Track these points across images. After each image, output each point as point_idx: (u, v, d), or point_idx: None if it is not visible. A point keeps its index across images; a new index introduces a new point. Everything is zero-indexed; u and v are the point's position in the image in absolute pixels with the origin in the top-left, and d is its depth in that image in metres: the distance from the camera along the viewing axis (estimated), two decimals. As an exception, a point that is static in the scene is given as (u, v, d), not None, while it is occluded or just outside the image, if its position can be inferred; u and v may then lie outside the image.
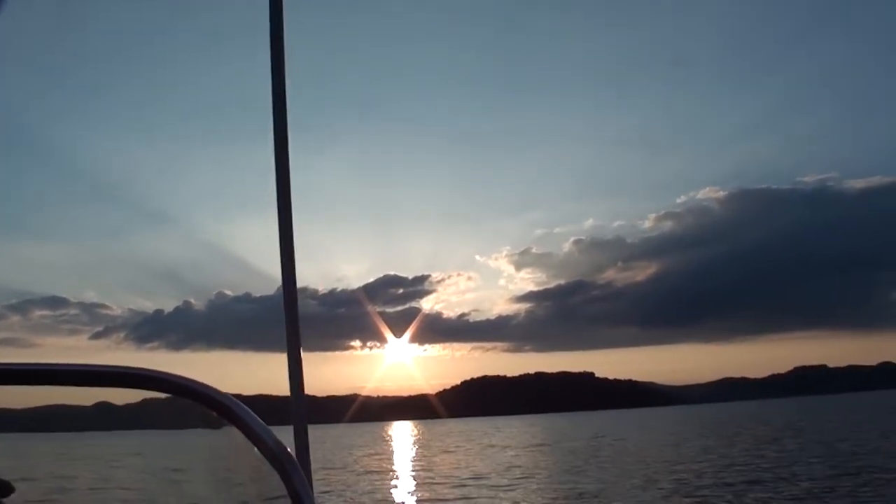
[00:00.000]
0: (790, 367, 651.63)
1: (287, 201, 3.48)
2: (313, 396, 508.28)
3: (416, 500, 34.92)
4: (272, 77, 3.43)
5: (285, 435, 2.66)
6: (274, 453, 2.14)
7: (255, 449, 1.97)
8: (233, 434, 1.97)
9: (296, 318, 3.37)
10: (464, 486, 37.97)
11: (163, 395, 1.95)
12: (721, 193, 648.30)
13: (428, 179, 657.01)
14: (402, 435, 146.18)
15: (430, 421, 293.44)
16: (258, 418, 1.96)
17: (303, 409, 3.25)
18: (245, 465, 2.10)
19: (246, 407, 1.99)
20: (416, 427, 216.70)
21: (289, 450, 1.98)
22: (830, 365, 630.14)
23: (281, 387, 3.29)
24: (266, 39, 3.42)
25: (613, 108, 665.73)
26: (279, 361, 3.33)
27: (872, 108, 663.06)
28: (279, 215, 3.44)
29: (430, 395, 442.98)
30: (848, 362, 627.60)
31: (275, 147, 3.47)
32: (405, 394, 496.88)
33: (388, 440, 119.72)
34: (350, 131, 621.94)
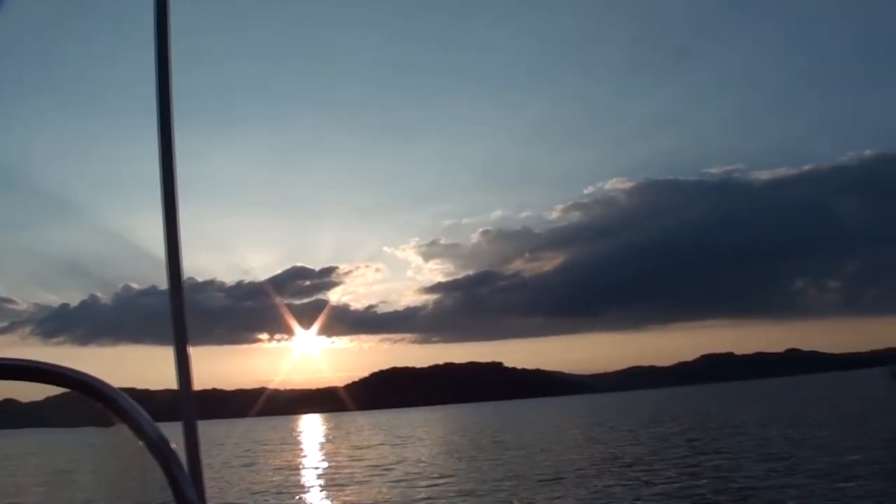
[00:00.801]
0: (698, 355, 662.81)
1: (172, 192, 3.25)
2: (220, 391, 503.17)
3: (317, 498, 33.61)
4: (156, 64, 3.26)
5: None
6: (159, 450, 2.14)
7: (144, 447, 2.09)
8: (124, 432, 2.05)
9: (182, 313, 3.16)
10: (368, 481, 36.89)
11: (65, 392, 2.06)
12: (628, 184, 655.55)
13: (337, 170, 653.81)
14: (310, 429, 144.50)
15: (338, 414, 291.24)
16: (144, 412, 2.07)
17: (192, 405, 3.10)
18: (136, 465, 2.17)
19: (132, 401, 2.11)
20: (324, 420, 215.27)
21: (173, 446, 2.12)
22: (737, 352, 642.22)
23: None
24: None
25: (522, 99, 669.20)
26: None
27: (778, 101, 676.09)
28: (164, 208, 3.23)
29: (339, 387, 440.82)
30: (755, 350, 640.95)
31: (160, 137, 3.26)
32: (313, 387, 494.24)
33: (295, 434, 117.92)
34: (259, 120, 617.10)
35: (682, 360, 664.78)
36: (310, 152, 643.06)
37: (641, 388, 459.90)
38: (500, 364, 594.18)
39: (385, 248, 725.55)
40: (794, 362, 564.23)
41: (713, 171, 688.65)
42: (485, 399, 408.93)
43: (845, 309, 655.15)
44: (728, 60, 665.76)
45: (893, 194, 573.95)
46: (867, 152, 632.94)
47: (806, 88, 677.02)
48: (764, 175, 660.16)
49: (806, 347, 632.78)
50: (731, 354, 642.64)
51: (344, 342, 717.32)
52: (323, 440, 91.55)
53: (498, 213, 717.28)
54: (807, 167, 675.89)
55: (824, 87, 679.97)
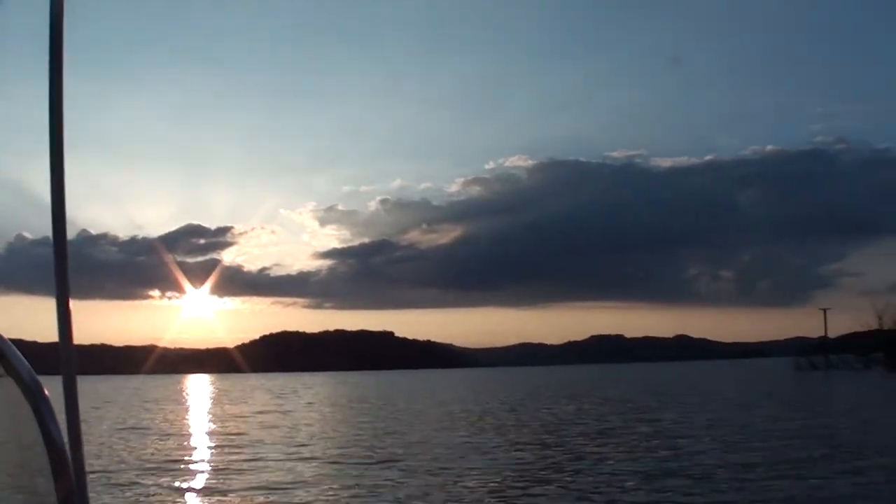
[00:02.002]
0: (587, 335, 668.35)
1: (59, 140, 3.10)
2: (109, 346, 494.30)
3: (198, 460, 33.29)
4: (50, 7, 3.03)
5: (81, 385, 2.66)
6: (35, 400, 2.12)
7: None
8: (8, 384, 2.05)
9: (65, 265, 3.17)
10: (253, 445, 36.71)
11: None
12: (530, 162, 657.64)
13: (237, 129, 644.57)
14: (199, 390, 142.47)
15: (228, 375, 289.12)
16: (25, 362, 2.08)
17: (72, 358, 3.01)
18: (21, 417, 2.17)
19: (16, 350, 2.13)
20: (213, 381, 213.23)
21: (46, 392, 2.13)
22: (627, 335, 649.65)
23: (79, 334, 3.08)
24: None
25: (430, 69, 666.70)
26: (78, 307, 3.14)
27: (684, 91, 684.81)
28: (51, 156, 3.09)
29: (229, 348, 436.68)
30: (645, 333, 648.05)
31: (50, 81, 3.06)
32: (203, 346, 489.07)
33: (184, 395, 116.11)
34: (161, 73, 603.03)
35: (572, 339, 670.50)
36: (211, 109, 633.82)
37: (530, 364, 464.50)
38: (391, 334, 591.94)
39: (282, 211, 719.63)
40: (683, 348, 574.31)
41: (615, 154, 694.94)
42: (375, 368, 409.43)
43: (737, 299, 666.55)
44: (637, 47, 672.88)
45: (791, 191, 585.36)
46: (769, 148, 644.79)
47: (713, 80, 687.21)
48: (665, 162, 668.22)
49: (695, 335, 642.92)
50: (620, 337, 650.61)
51: (236, 303, 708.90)
52: (211, 402, 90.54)
53: (398, 183, 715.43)
54: (708, 157, 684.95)
55: (731, 81, 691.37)
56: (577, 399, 68.29)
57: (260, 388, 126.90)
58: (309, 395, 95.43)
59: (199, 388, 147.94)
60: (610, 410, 54.13)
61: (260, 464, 28.96)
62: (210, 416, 61.52)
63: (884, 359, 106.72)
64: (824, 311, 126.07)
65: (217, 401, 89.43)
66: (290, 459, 30.43)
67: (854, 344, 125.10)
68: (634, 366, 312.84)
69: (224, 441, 37.78)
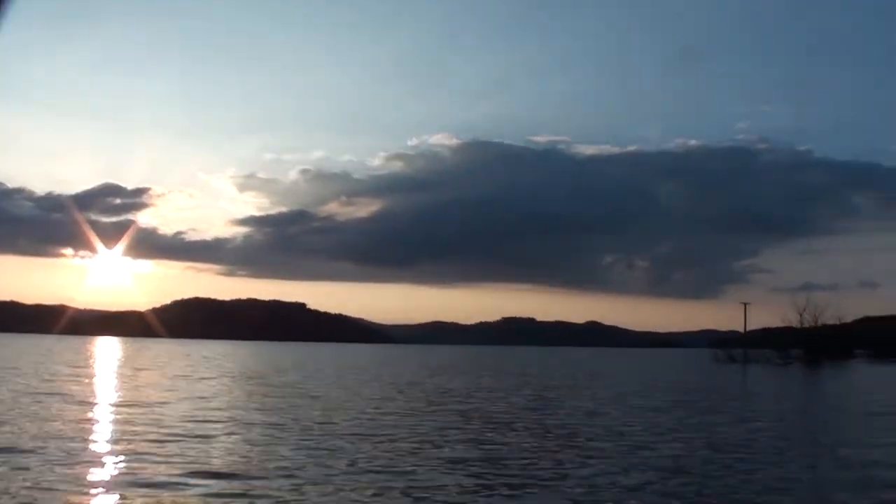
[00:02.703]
0: (500, 317, 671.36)
1: None
2: (19, 304, 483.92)
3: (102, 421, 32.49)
4: None
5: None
6: None
7: None
8: None
9: None
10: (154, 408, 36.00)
11: None
12: (454, 141, 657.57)
13: (162, 88, 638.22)
14: (110, 353, 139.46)
15: (140, 339, 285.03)
16: None
17: None
18: None
19: None
20: (124, 345, 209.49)
21: None
22: (539, 319, 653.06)
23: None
24: None
25: (362, 42, 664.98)
26: None
27: (610, 79, 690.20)
28: None
29: (141, 312, 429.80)
30: (556, 318, 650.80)
31: None
32: (114, 309, 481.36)
33: (94, 358, 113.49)
34: (85, 27, 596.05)
35: (484, 320, 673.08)
36: (136, 66, 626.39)
37: (442, 342, 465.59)
38: (303, 305, 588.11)
39: (201, 175, 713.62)
40: (594, 335, 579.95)
41: (539, 139, 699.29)
42: (287, 339, 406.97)
43: (650, 289, 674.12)
44: (567, 34, 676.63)
45: (711, 186, 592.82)
46: (692, 142, 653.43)
47: (640, 72, 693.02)
48: (588, 150, 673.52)
49: (607, 322, 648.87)
50: (532, 320, 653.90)
51: (149, 266, 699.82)
52: (121, 366, 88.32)
53: (319, 153, 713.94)
54: (631, 148, 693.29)
55: (658, 74, 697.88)
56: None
57: (174, 354, 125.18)
58: (224, 364, 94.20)
59: (110, 352, 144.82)
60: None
61: (166, 431, 28.13)
62: (120, 381, 59.85)
63: (802, 355, 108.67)
64: (745, 305, 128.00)
65: (128, 365, 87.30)
66: (199, 426, 29.67)
67: (765, 339, 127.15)
68: (546, 349, 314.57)
69: (134, 409, 36.55)
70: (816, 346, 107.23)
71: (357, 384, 56.92)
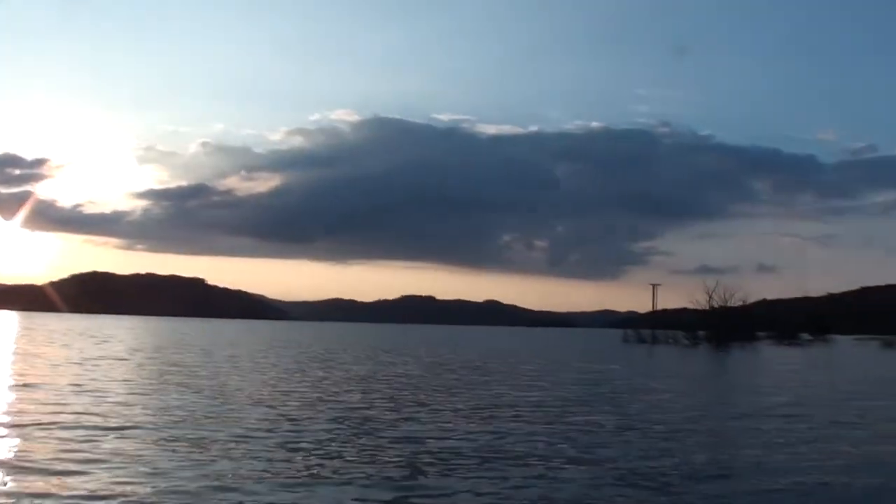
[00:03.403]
0: (399, 295, 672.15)
1: None
2: None
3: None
4: None
5: None
6: None
7: None
8: None
9: None
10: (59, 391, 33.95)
11: None
12: (355, 117, 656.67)
13: (64, 57, 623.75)
14: (5, 327, 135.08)
15: (37, 313, 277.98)
16: None
17: None
18: None
19: None
20: (19, 318, 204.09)
21: None
22: (438, 297, 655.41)
23: None
24: None
25: (263, 14, 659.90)
26: None
27: (513, 59, 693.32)
28: None
29: (38, 286, 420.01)
30: (456, 296, 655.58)
31: None
32: (11, 282, 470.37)
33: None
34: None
35: (384, 297, 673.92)
36: (36, 37, 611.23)
37: (340, 320, 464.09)
38: (202, 280, 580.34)
39: (100, 147, 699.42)
40: (493, 313, 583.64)
41: (441, 117, 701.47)
42: (184, 314, 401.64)
43: (549, 269, 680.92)
44: (469, 13, 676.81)
45: (611, 168, 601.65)
46: (594, 124, 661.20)
47: (544, 53, 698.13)
48: (490, 129, 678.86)
49: (506, 301, 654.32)
50: (432, 298, 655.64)
51: (47, 239, 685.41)
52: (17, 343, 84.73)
53: (220, 127, 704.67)
54: (533, 128, 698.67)
55: (561, 55, 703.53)
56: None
57: (73, 331, 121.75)
58: (126, 340, 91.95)
59: (7, 326, 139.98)
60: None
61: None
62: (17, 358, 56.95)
63: (710, 336, 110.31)
64: (654, 286, 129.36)
65: (27, 341, 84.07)
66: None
67: (665, 320, 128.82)
68: (446, 328, 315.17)
69: (28, 388, 34.43)
70: (724, 328, 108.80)
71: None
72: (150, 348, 71.14)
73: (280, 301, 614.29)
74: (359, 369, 50.82)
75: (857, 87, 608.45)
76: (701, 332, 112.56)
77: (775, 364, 72.23)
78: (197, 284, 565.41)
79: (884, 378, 57.79)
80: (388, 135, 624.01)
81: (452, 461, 17.93)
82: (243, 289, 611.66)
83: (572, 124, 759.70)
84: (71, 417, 23.75)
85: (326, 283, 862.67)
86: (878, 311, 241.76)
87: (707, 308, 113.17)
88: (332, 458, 17.93)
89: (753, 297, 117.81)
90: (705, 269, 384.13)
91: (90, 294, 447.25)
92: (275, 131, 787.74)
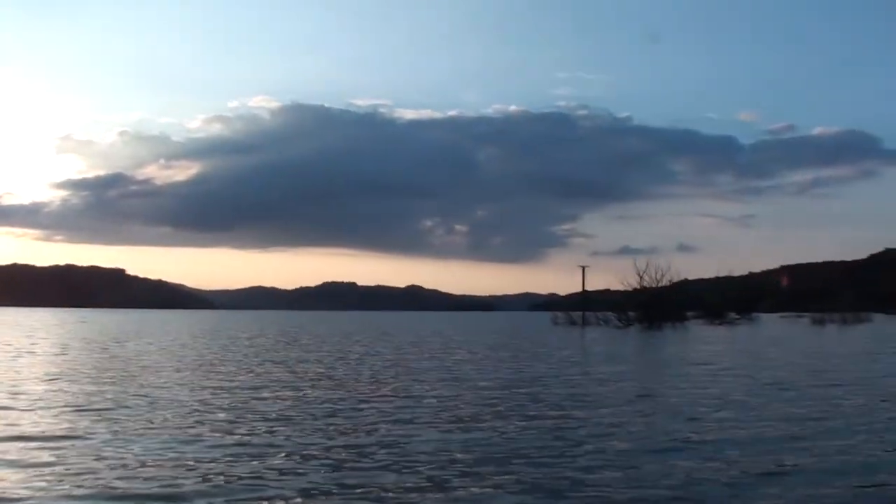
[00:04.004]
0: (320, 282, 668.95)
1: None
2: None
3: None
4: None
5: None
6: None
7: None
8: None
9: None
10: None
11: None
12: (274, 104, 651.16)
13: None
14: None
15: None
16: None
17: None
18: None
19: None
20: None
21: None
22: (360, 283, 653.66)
23: None
24: None
25: (181, 2, 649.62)
26: None
27: (431, 42, 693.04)
28: None
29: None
30: (377, 282, 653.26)
31: None
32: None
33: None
34: None
35: (304, 284, 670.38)
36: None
37: (262, 308, 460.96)
38: (122, 271, 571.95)
39: (17, 136, 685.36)
40: (415, 298, 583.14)
41: (360, 102, 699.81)
42: (105, 305, 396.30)
43: (469, 253, 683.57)
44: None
45: (531, 152, 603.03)
46: (512, 108, 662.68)
47: (461, 36, 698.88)
48: (409, 114, 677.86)
49: (428, 286, 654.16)
50: (353, 284, 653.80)
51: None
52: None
53: (138, 115, 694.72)
54: (452, 112, 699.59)
55: (479, 38, 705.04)
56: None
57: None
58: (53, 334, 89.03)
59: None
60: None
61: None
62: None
63: (641, 317, 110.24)
64: (583, 268, 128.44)
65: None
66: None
67: (585, 302, 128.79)
68: (368, 314, 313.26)
69: None
70: (656, 309, 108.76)
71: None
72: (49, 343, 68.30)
73: (201, 290, 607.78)
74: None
75: (776, 67, 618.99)
76: (632, 313, 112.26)
77: (736, 342, 70.99)
78: (117, 275, 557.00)
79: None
80: (307, 121, 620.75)
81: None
82: (164, 278, 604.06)
83: (491, 108, 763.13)
84: None
85: (248, 271, 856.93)
86: (798, 290, 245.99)
87: (639, 288, 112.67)
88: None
89: (675, 278, 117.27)
90: (626, 251, 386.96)
91: (9, 286, 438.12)
92: (193, 119, 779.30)
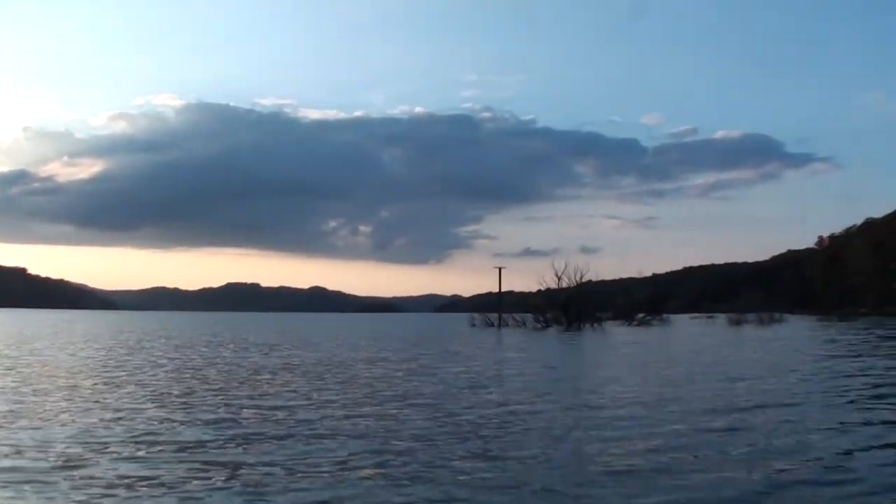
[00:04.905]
0: (224, 283, 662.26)
1: None
2: None
3: None
4: None
5: None
6: None
7: None
8: None
9: None
10: None
11: None
12: (178, 102, 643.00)
13: None
14: None
15: None
16: None
17: None
18: None
19: None
20: None
21: None
22: (263, 284, 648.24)
23: None
24: None
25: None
26: None
27: (338, 41, 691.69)
28: None
29: None
30: (281, 283, 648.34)
31: None
32: None
33: None
34: None
35: (207, 285, 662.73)
36: None
37: (165, 308, 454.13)
38: (24, 270, 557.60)
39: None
40: (319, 300, 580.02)
41: (265, 102, 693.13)
42: (6, 306, 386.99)
43: (373, 254, 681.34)
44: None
45: (435, 153, 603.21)
46: (418, 109, 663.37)
47: (368, 36, 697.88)
48: (314, 114, 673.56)
49: (331, 287, 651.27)
50: (257, 285, 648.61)
51: None
52: None
53: (41, 111, 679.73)
54: (357, 113, 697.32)
55: (386, 39, 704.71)
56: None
57: None
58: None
59: None
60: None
61: None
62: None
63: (557, 317, 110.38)
64: (499, 269, 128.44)
65: None
66: None
67: (490, 303, 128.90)
68: (271, 315, 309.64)
69: None
70: (573, 310, 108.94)
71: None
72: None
73: (104, 290, 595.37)
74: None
75: (680, 71, 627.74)
76: (549, 314, 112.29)
77: (672, 343, 70.76)
78: (18, 274, 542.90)
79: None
80: (212, 120, 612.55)
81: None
82: (66, 278, 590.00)
83: (397, 109, 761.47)
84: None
85: (151, 271, 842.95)
86: (702, 291, 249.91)
87: (557, 288, 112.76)
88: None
89: (594, 278, 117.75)
90: (529, 252, 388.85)
91: None
92: (97, 116, 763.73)
